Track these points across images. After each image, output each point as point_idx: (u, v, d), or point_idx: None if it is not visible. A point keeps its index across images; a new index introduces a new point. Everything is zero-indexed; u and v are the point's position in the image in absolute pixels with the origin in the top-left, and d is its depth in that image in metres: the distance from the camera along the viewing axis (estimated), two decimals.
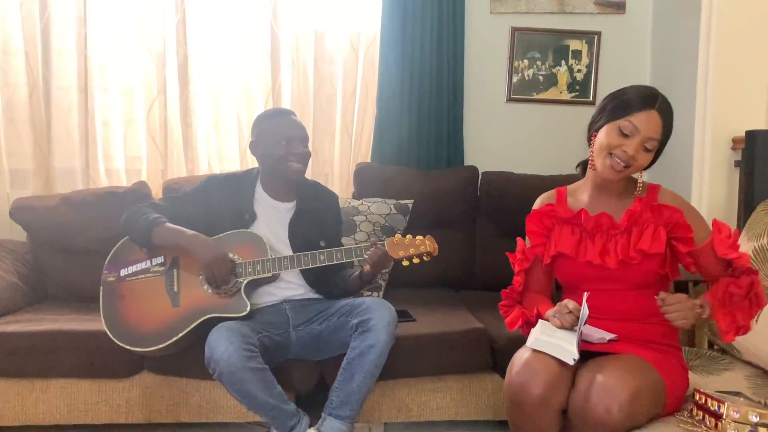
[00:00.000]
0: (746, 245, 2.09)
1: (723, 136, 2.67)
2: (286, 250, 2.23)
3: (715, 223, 1.69)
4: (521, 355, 1.58)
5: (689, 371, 1.93)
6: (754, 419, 1.38)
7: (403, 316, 2.52)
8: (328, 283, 2.28)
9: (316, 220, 2.30)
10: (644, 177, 1.75)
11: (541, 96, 3.30)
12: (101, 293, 2.15)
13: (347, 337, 2.09)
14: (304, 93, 3.15)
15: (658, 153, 1.69)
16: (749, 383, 1.85)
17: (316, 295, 2.29)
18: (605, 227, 1.70)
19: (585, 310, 1.53)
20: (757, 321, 1.91)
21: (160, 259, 2.17)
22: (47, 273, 2.84)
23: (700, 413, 1.48)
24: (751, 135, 2.43)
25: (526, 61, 3.27)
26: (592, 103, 3.31)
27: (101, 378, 2.25)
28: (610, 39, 3.29)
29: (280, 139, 2.18)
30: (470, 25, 3.22)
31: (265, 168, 2.26)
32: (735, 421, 1.39)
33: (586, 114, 3.16)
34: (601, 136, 1.67)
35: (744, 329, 1.60)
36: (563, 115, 3.31)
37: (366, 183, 3.05)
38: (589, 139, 1.75)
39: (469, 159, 3.26)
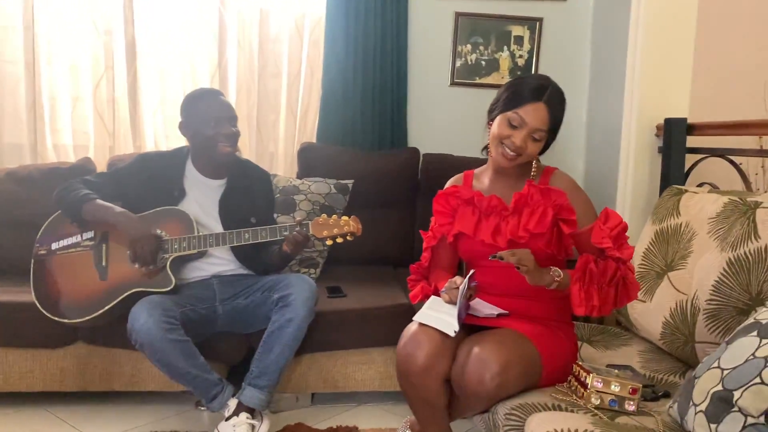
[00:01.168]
0: (650, 228, 2.20)
1: (648, 123, 2.78)
2: (217, 227, 2.31)
3: (604, 212, 1.73)
4: (409, 328, 1.69)
5: (590, 345, 2.07)
6: (616, 389, 1.49)
7: (334, 291, 2.63)
8: (256, 259, 2.36)
9: (247, 197, 2.38)
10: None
11: (484, 80, 3.38)
12: (32, 266, 2.22)
13: (270, 311, 2.18)
14: (250, 72, 3.20)
15: (550, 141, 1.78)
16: (640, 358, 1.97)
17: (245, 271, 2.37)
18: (498, 209, 1.80)
19: (463, 286, 1.63)
20: (650, 300, 2.03)
21: (90, 234, 2.24)
22: None
23: (575, 383, 1.59)
24: (668, 122, 2.54)
25: (469, 46, 3.35)
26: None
27: (35, 348, 2.33)
28: (551, 25, 3.37)
29: (208, 120, 2.24)
30: (415, 9, 3.29)
31: (195, 148, 2.33)
32: (598, 391, 1.50)
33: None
34: (494, 126, 1.76)
35: (598, 310, 1.65)
36: None
37: (309, 163, 3.13)
38: (488, 126, 1.84)
39: (413, 140, 3.34)
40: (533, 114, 1.71)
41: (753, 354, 1.27)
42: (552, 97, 1.74)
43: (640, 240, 2.24)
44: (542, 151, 1.80)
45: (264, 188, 2.47)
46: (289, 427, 2.25)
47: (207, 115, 2.25)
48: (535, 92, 1.72)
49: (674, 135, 2.49)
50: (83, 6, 3.10)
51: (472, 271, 1.74)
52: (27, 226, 2.83)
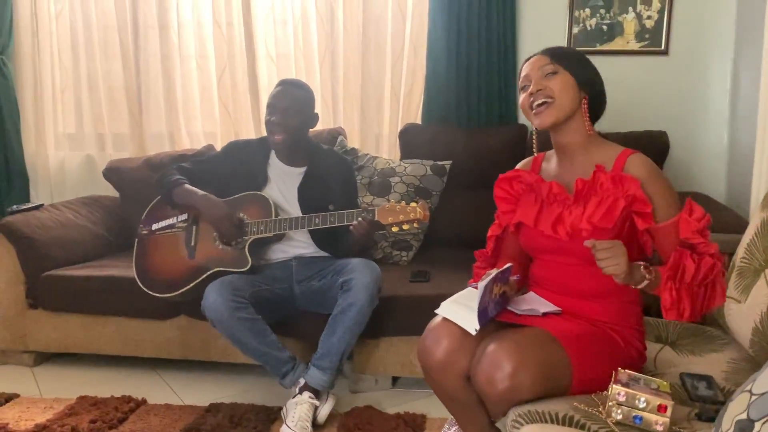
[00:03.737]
0: (758, 215, 1.87)
1: None
2: (297, 212, 2.39)
3: (688, 203, 1.53)
4: (432, 321, 1.61)
5: (673, 349, 1.83)
6: (641, 404, 1.30)
7: (418, 276, 2.59)
8: (333, 243, 2.40)
9: (325, 184, 2.42)
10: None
11: (606, 47, 3.07)
12: (135, 245, 2.47)
13: (337, 294, 2.21)
14: (355, 53, 3.22)
15: (588, 91, 1.59)
16: (728, 367, 1.69)
17: (324, 254, 2.43)
18: (560, 197, 1.62)
19: (488, 281, 1.50)
20: (745, 300, 1.74)
21: (184, 216, 2.44)
22: (132, 226, 3.26)
23: (609, 393, 1.41)
24: None
25: (588, 10, 3.06)
26: (665, 53, 3.02)
27: (147, 318, 2.60)
28: None
29: (268, 107, 2.33)
30: None
31: None
32: (620, 404, 1.32)
33: (657, 64, 2.99)
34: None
35: (687, 315, 1.46)
36: (631, 67, 3.07)
37: (410, 144, 3.09)
38: None
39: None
40: (532, 63, 1.61)
41: None
42: (550, 48, 1.62)
43: (748, 229, 1.91)
44: (594, 114, 1.61)
45: (343, 176, 2.49)
46: (357, 409, 2.27)
47: (268, 103, 2.34)
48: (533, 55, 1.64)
49: None
50: (206, 3, 3.34)
51: (508, 265, 1.61)
52: None
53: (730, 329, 1.82)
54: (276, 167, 2.44)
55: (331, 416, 2.23)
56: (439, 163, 2.94)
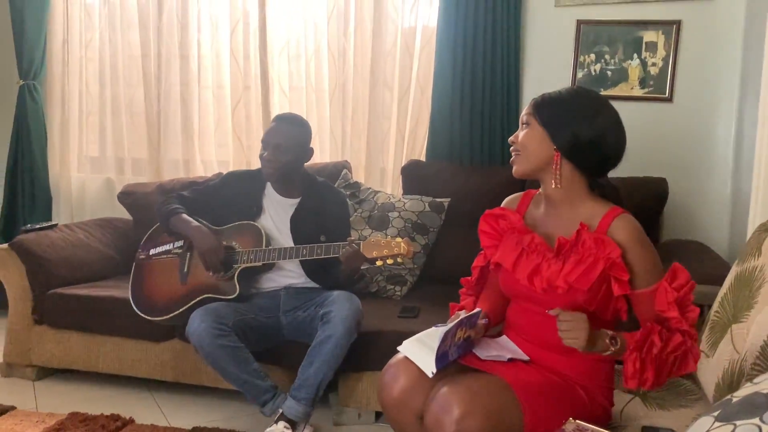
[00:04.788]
0: (733, 270, 1.86)
1: None
2: (289, 242, 2.45)
3: (672, 269, 1.51)
4: (394, 357, 1.63)
5: (643, 402, 1.81)
6: None
7: (407, 311, 2.62)
8: (322, 274, 2.45)
9: (317, 216, 2.48)
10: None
11: (610, 92, 3.09)
12: (133, 268, 2.57)
13: (318, 325, 2.26)
14: (362, 88, 3.32)
15: (565, 145, 1.54)
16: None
17: (313, 285, 2.48)
18: (540, 248, 1.61)
19: (445, 327, 1.52)
20: (713, 356, 1.72)
21: (180, 243, 2.53)
22: None
23: None
24: None
25: (592, 56, 3.09)
26: (669, 100, 3.03)
27: (143, 339, 2.68)
28: (692, 29, 2.97)
29: (262, 142, 2.44)
30: (533, 19, 3.13)
31: None
32: None
33: (661, 111, 3.00)
34: None
35: (650, 384, 1.47)
36: (634, 113, 3.05)
37: (412, 180, 3.15)
38: None
39: None
40: (525, 109, 1.61)
41: None
42: (542, 101, 1.58)
43: (724, 283, 1.89)
44: (588, 174, 1.59)
45: (336, 209, 2.55)
46: None
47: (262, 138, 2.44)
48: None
49: None
50: (224, 37, 3.48)
51: (477, 310, 1.63)
52: None
53: (701, 384, 1.80)
54: (271, 197, 2.52)
55: None
56: (438, 200, 2.98)
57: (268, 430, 2.19)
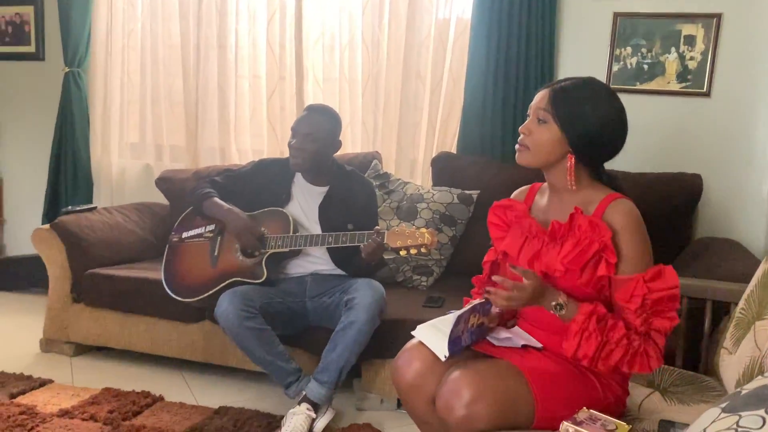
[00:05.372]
0: (762, 267, 1.82)
1: None
2: (317, 230, 2.50)
3: (657, 268, 1.50)
4: (409, 342, 1.66)
5: (663, 396, 1.80)
6: None
7: (432, 301, 2.64)
8: (348, 261, 2.49)
9: (345, 204, 2.51)
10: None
11: (646, 86, 3.04)
12: (166, 250, 2.64)
13: (342, 311, 2.30)
14: (395, 79, 3.33)
15: (577, 142, 1.54)
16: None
17: (340, 272, 2.52)
18: (539, 234, 1.65)
19: (464, 310, 1.54)
20: (735, 352, 1.70)
21: (212, 227, 2.59)
22: None
23: None
24: None
25: (629, 49, 3.04)
26: (707, 95, 2.96)
27: (174, 320, 2.76)
28: (733, 22, 2.90)
29: (291, 130, 2.47)
30: (568, 11, 3.10)
31: None
32: None
33: (698, 106, 2.95)
34: None
35: (591, 361, 1.48)
36: (670, 108, 3.02)
37: (441, 172, 3.15)
38: None
39: None
40: (538, 97, 1.59)
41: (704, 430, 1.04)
42: (561, 86, 1.55)
43: (752, 280, 1.86)
44: (591, 164, 1.59)
45: (363, 197, 2.57)
46: (355, 426, 2.34)
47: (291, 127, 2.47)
48: (545, 85, 1.61)
49: None
50: (261, 27, 3.54)
51: (483, 296, 1.65)
52: None
53: (723, 381, 1.78)
54: (300, 185, 2.56)
55: (329, 430, 2.30)
56: (467, 192, 2.98)
57: (290, 411, 2.24)
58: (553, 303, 1.50)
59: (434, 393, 1.56)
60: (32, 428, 2.20)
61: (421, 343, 1.62)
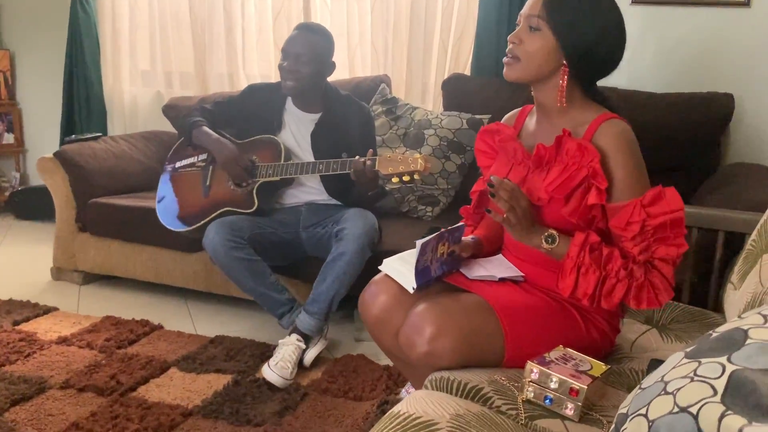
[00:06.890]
0: None
1: None
2: (309, 158, 2.39)
3: (656, 190, 1.36)
4: (376, 276, 1.56)
5: (660, 333, 1.68)
6: (553, 385, 1.20)
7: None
8: (343, 191, 2.38)
9: (339, 132, 2.39)
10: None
11: None
12: (160, 180, 2.59)
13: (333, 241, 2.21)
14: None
15: (572, 53, 1.38)
16: None
17: (335, 202, 2.42)
18: (525, 160, 1.51)
19: (430, 238, 1.43)
20: (740, 287, 1.55)
21: (204, 156, 2.51)
22: None
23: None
24: None
25: None
26: (746, 4, 2.67)
27: (176, 250, 2.74)
28: None
29: (282, 51, 2.32)
30: None
31: None
32: (532, 382, 1.23)
33: (736, 17, 2.67)
34: None
35: (592, 300, 1.36)
36: (704, 20, 2.74)
37: (453, 95, 2.98)
38: None
39: None
40: (527, 5, 1.42)
41: (662, 377, 0.92)
42: None
43: (767, 211, 1.68)
44: (585, 79, 1.43)
45: (360, 123, 2.43)
46: (348, 357, 2.29)
47: (283, 47, 2.32)
48: None
49: None
50: None
51: (460, 224, 1.53)
52: None
53: (726, 316, 1.64)
54: (292, 112, 2.44)
55: (323, 360, 2.27)
56: (477, 116, 2.81)
57: (281, 341, 2.21)
58: (545, 234, 1.38)
59: (399, 327, 1.48)
60: (29, 355, 2.23)
61: (388, 276, 1.53)
